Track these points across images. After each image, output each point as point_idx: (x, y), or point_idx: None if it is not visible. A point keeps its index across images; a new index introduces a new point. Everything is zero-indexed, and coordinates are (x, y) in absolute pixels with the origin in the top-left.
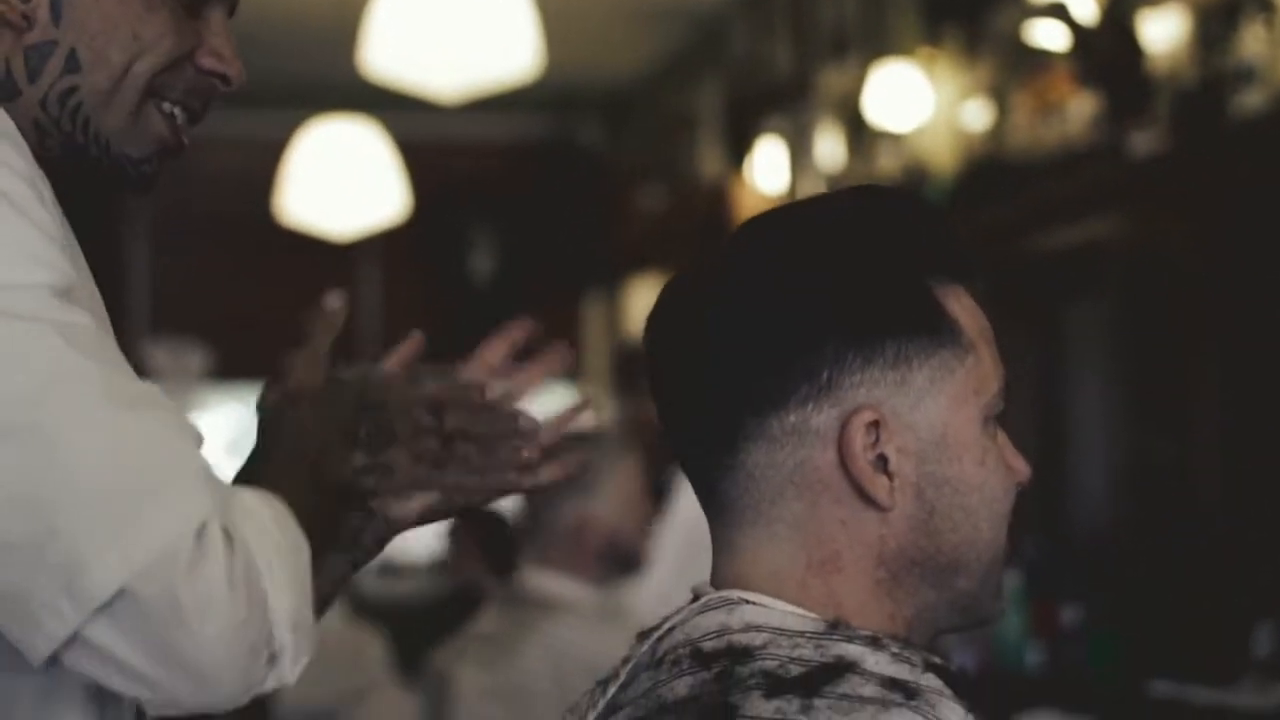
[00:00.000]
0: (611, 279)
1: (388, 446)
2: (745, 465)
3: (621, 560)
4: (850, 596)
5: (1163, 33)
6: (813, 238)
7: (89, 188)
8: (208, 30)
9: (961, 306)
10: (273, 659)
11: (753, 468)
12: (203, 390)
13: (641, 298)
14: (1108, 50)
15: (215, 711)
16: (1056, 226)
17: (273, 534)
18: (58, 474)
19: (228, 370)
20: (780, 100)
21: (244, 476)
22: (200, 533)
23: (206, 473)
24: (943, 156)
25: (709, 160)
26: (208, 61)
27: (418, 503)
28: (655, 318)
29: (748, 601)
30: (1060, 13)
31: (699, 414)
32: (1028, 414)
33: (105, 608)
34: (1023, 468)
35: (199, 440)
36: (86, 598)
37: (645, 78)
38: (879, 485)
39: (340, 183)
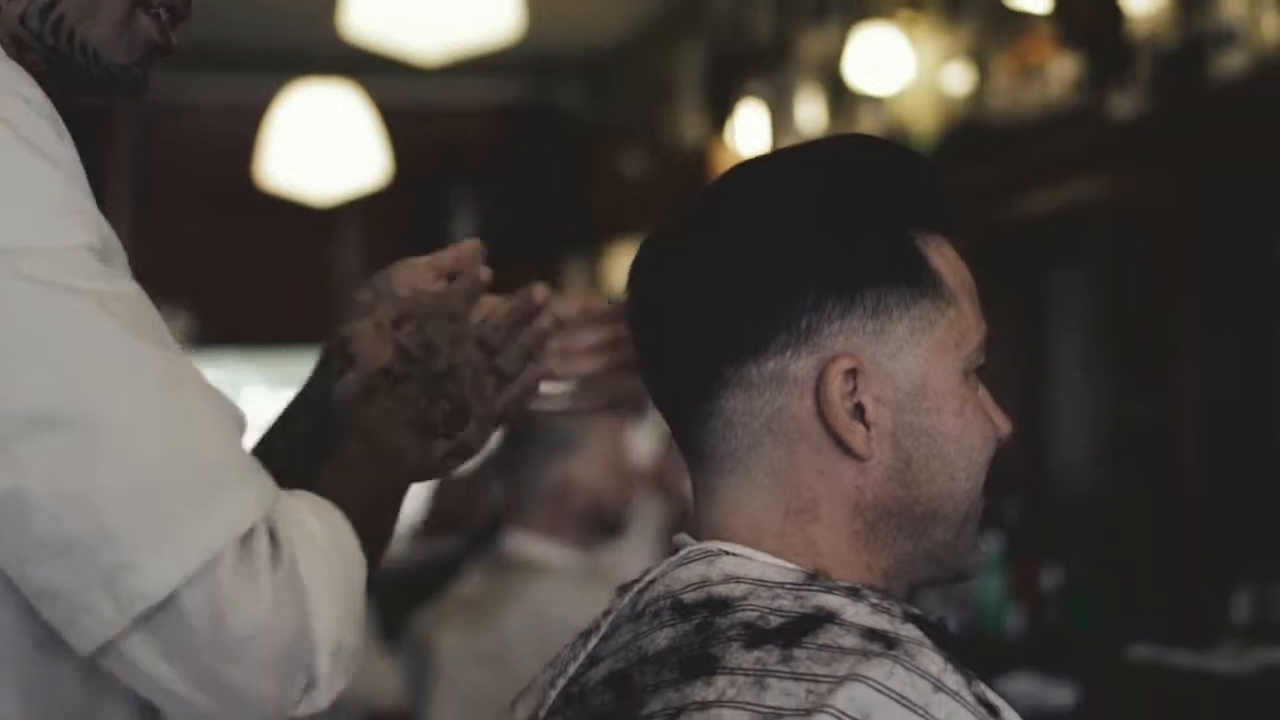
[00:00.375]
0: (593, 243)
1: (464, 423)
2: (723, 412)
3: (604, 523)
4: (828, 546)
5: None
6: (793, 184)
7: (79, 95)
8: None
9: (943, 258)
10: (310, 685)
11: (730, 414)
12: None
13: (623, 262)
14: (1088, 12)
15: None
16: (1038, 189)
17: (324, 549)
18: (107, 468)
19: (209, 335)
20: (761, 63)
21: (297, 456)
22: (247, 538)
23: (255, 469)
24: (924, 119)
25: (690, 124)
26: None
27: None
28: (636, 265)
29: (727, 553)
30: None
31: (677, 361)
32: (1009, 376)
33: (148, 617)
34: (1003, 423)
35: (243, 425)
36: (134, 601)
37: (626, 41)
38: (856, 434)
39: (321, 147)
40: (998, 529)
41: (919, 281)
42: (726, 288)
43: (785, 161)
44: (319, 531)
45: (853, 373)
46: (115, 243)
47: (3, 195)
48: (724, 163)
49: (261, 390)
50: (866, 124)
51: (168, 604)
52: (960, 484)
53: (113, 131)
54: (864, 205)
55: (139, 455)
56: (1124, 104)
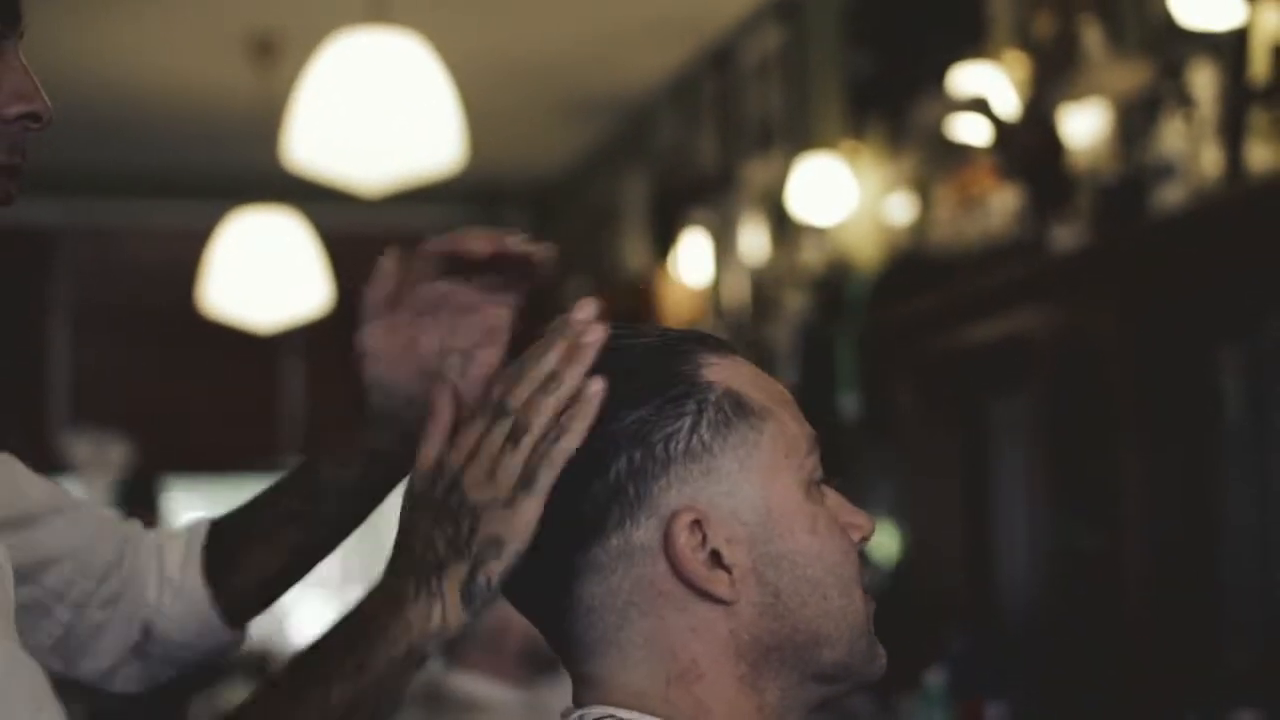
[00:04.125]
0: None
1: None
2: (583, 600)
3: (542, 661)
4: (717, 701)
5: (1084, 127)
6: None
7: None
8: (3, 68)
9: (741, 375)
10: None
11: (591, 600)
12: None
13: None
14: (1029, 145)
15: None
16: (980, 320)
17: None
18: None
19: (150, 463)
20: (705, 192)
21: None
22: None
23: None
24: (866, 250)
25: (634, 252)
26: (14, 107)
27: None
28: None
29: (615, 718)
30: (982, 107)
31: (528, 560)
32: (954, 507)
33: None
34: (862, 521)
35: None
36: None
37: (571, 169)
38: (718, 581)
39: (264, 274)
40: (942, 662)
41: (722, 408)
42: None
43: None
44: None
45: (697, 523)
46: None
47: None
48: (668, 291)
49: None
50: (809, 254)
51: None
52: (834, 602)
53: (51, 257)
54: (644, 358)
55: None
56: (1065, 236)
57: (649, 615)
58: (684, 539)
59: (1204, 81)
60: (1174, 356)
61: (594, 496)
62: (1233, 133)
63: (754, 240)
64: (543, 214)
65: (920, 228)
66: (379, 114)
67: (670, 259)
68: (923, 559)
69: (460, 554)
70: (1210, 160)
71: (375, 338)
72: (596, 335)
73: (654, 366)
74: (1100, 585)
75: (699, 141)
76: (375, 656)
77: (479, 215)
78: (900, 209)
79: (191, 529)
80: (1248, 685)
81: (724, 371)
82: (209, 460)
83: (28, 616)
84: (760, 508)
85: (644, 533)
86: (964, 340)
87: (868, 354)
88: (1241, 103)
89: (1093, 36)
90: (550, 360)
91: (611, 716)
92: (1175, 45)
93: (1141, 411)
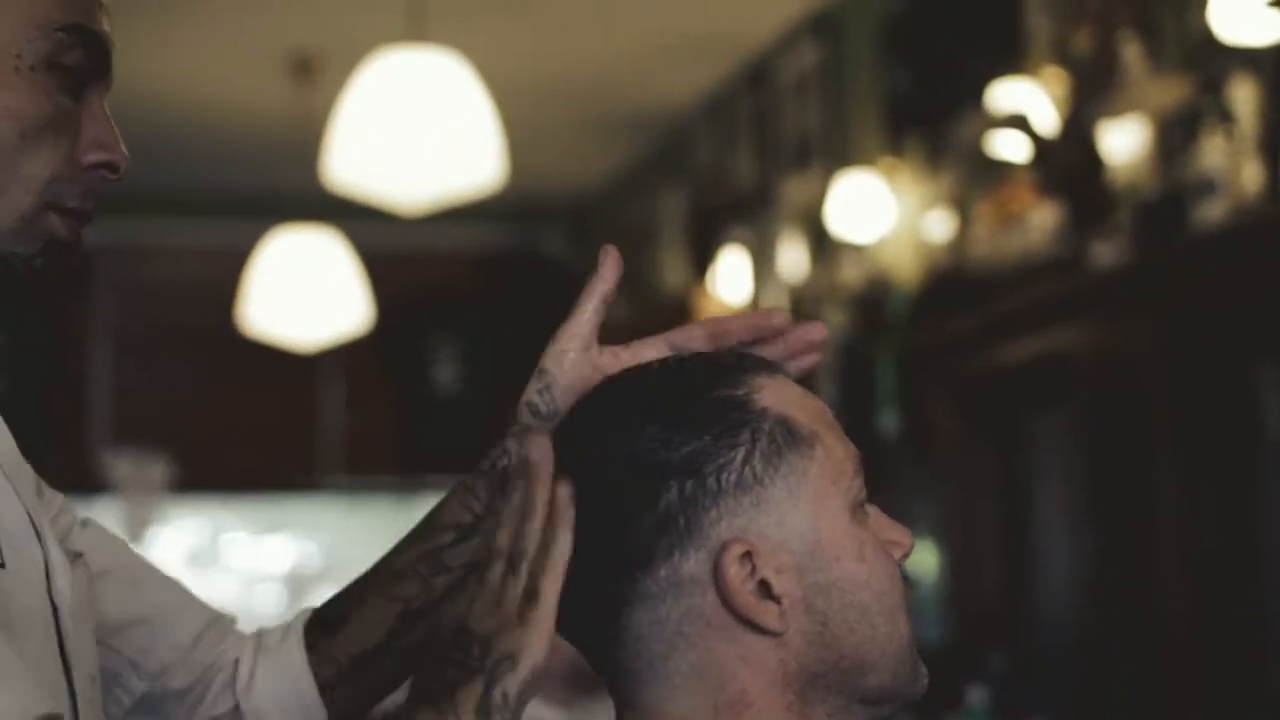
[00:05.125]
0: None
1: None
2: (631, 628)
3: (586, 682)
4: None
5: (1123, 144)
6: (632, 397)
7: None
8: (87, 113)
9: (788, 399)
10: None
11: (638, 629)
12: (165, 502)
13: None
14: (1068, 161)
15: None
16: (1019, 337)
17: None
18: None
19: (189, 480)
20: (743, 210)
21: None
22: None
23: None
24: (905, 267)
25: (672, 270)
26: (92, 155)
27: None
28: None
29: None
30: (1021, 123)
31: (576, 588)
32: (993, 526)
33: None
34: (901, 537)
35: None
36: None
37: (608, 187)
38: (768, 612)
39: (303, 293)
40: (983, 681)
41: (775, 437)
42: (601, 512)
43: (625, 382)
44: None
45: (747, 555)
46: None
47: None
48: (706, 309)
49: (242, 536)
50: (848, 271)
51: None
52: (880, 628)
53: (91, 277)
54: (695, 382)
55: None
56: (1105, 252)
57: (697, 645)
58: (734, 571)
59: (1244, 97)
60: (1213, 374)
61: (643, 527)
62: (1273, 149)
63: (793, 258)
64: (580, 232)
65: (959, 245)
66: (418, 132)
67: (709, 276)
68: (962, 577)
69: (473, 673)
70: (1251, 176)
71: (565, 360)
72: (540, 452)
73: (706, 392)
74: (1139, 603)
75: (736, 159)
76: None
77: (517, 233)
78: (939, 226)
79: (298, 613)
80: None
81: (774, 395)
82: (248, 479)
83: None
84: (809, 536)
85: (693, 564)
86: (1003, 358)
87: (907, 372)
88: None
89: (1132, 52)
90: (518, 495)
91: None
92: (1215, 61)
93: (1180, 429)
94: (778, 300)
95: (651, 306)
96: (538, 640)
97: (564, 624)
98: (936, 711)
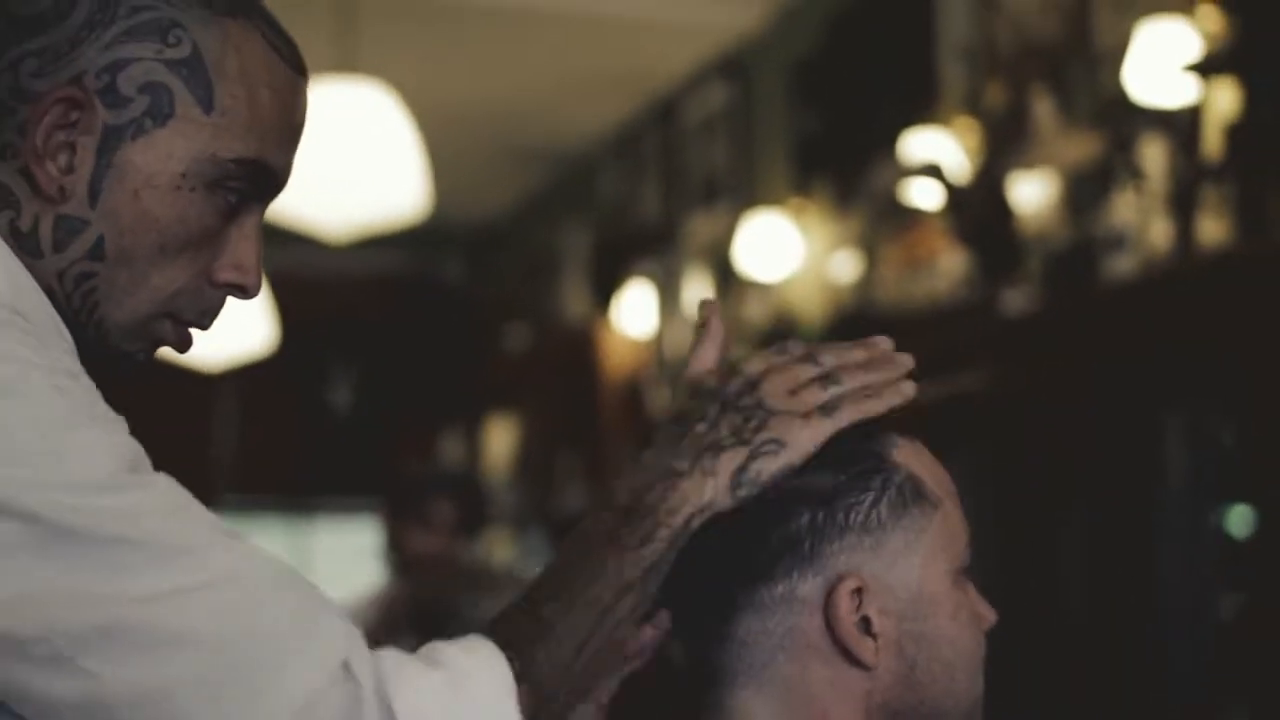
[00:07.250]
0: (471, 416)
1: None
2: (738, 634)
3: None
4: None
5: (1034, 195)
6: None
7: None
8: (238, 232)
9: (922, 463)
10: None
11: (745, 635)
12: None
13: (500, 436)
14: (979, 209)
15: None
16: (925, 381)
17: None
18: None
19: None
20: (648, 244)
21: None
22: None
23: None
24: (811, 307)
25: (574, 301)
26: (227, 275)
27: None
28: None
29: None
30: (934, 171)
31: (693, 588)
32: None
33: None
34: (989, 614)
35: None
36: None
37: (513, 217)
38: (865, 646)
39: None
40: None
41: (903, 491)
42: (734, 520)
43: None
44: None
45: (858, 590)
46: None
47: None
48: (608, 342)
49: None
50: (754, 309)
51: None
52: (960, 683)
53: None
54: (840, 431)
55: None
56: (1014, 300)
57: (794, 661)
58: (844, 602)
59: (1154, 155)
60: (1118, 421)
61: (771, 543)
62: (1184, 207)
63: (698, 293)
64: (482, 259)
65: (866, 286)
66: (345, 161)
67: (612, 309)
68: None
69: (743, 442)
70: (1160, 232)
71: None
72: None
73: (850, 439)
74: (1042, 645)
75: (642, 193)
76: (656, 531)
77: (419, 260)
78: (846, 267)
79: None
80: None
81: (909, 455)
82: None
83: None
84: (914, 587)
85: (809, 587)
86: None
87: None
88: (1193, 178)
89: (1044, 108)
90: (860, 354)
91: None
92: (1126, 120)
93: (1085, 475)
94: (682, 335)
95: (553, 337)
96: (808, 443)
97: (676, 615)
98: None
